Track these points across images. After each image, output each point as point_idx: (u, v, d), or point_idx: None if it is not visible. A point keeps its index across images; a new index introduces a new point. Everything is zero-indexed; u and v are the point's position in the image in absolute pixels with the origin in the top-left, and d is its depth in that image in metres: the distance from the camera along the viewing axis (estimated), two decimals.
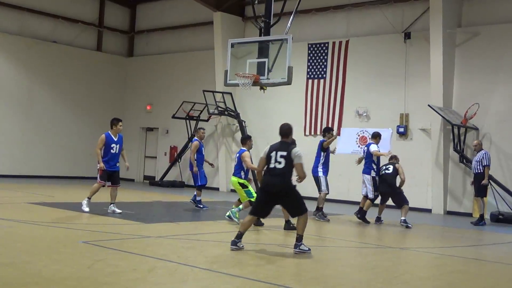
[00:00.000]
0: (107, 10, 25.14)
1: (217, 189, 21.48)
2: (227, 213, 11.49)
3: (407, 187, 14.23)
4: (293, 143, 8.59)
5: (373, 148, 12.89)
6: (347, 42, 18.95)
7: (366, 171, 12.95)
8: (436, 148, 16.62)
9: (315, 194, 13.22)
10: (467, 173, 16.20)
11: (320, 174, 12.91)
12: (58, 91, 23.21)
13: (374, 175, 12.86)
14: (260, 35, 12.62)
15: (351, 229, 12.10)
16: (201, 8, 21.71)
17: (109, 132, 11.79)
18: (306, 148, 14.74)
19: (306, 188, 15.91)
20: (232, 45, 12.61)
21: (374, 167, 12.88)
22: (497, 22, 16.39)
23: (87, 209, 11.38)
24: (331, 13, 19.59)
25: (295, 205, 8.21)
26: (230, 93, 19.99)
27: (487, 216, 14.44)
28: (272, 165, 8.12)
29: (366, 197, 12.99)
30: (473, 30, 16.66)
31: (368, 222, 12.75)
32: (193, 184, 14.09)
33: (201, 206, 13.68)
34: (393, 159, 13.14)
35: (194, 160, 13.50)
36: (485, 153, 14.07)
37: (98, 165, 11.59)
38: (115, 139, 11.75)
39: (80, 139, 23.47)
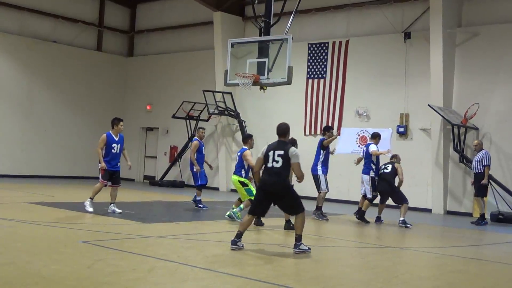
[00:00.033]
0: (107, 10, 25.14)
1: (217, 189, 21.48)
2: (227, 213, 11.50)
3: (407, 187, 14.25)
4: (294, 144, 8.61)
5: (372, 148, 12.93)
6: (347, 42, 18.95)
7: (365, 171, 12.98)
8: (436, 148, 16.63)
9: (315, 193, 13.23)
10: (467, 173, 16.20)
11: (320, 172, 12.94)
12: (58, 91, 23.21)
13: (373, 175, 12.89)
14: (260, 35, 12.62)
15: (351, 229, 12.10)
16: (201, 8, 21.71)
17: (110, 132, 11.78)
18: (306, 148, 14.82)
19: (304, 187, 16.01)
20: (232, 45, 12.61)
21: (373, 167, 12.91)
22: (497, 22, 16.39)
23: (91, 209, 11.37)
24: (331, 13, 19.60)
25: (292, 204, 8.23)
26: (230, 93, 20.00)
27: (487, 216, 14.43)
28: (269, 164, 8.14)
29: (364, 196, 13.03)
30: (473, 30, 16.66)
31: (367, 222, 12.75)
32: (193, 183, 14.10)
33: (201, 206, 13.68)
34: (394, 158, 13.14)
35: (194, 159, 13.51)
36: (485, 153, 14.08)
37: (100, 164, 11.60)
38: (116, 139, 11.75)
39: (80, 139, 23.47)
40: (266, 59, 11.90)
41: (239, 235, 8.04)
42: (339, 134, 18.33)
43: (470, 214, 15.89)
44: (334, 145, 14.76)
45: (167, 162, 23.36)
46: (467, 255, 9.35)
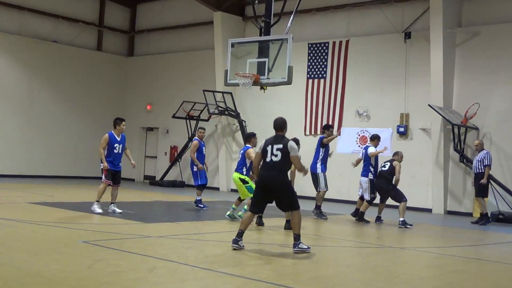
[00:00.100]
0: (107, 10, 25.14)
1: (217, 189, 21.48)
2: (228, 213, 11.49)
3: (408, 187, 14.26)
4: (297, 144, 8.61)
5: (370, 150, 12.97)
6: (347, 42, 18.95)
7: (364, 173, 13.00)
8: (436, 148, 16.62)
9: (314, 193, 13.23)
10: (467, 173, 16.20)
11: (319, 171, 12.99)
12: (58, 91, 23.21)
13: (372, 178, 12.90)
14: (260, 35, 12.62)
15: (351, 229, 12.09)
16: (201, 8, 21.71)
17: (112, 131, 11.78)
18: (306, 148, 14.81)
19: (303, 187, 16.06)
20: (232, 45, 12.61)
21: (372, 169, 12.94)
22: (497, 22, 16.39)
23: (100, 211, 11.33)
24: (331, 13, 19.59)
25: (288, 200, 8.21)
26: (230, 93, 20.00)
27: None
28: (268, 159, 8.14)
29: (362, 198, 13.04)
30: (473, 30, 16.66)
31: (367, 222, 12.76)
32: (193, 183, 14.09)
33: (201, 206, 13.68)
34: (395, 156, 13.09)
35: (194, 157, 13.50)
36: (486, 152, 14.07)
37: (102, 164, 11.59)
38: (118, 139, 11.75)
39: (80, 139, 23.48)
40: (266, 59, 11.90)
41: (240, 234, 8.04)
42: (339, 134, 18.32)
43: (470, 214, 15.88)
44: (334, 146, 14.71)
45: (167, 162, 23.37)
46: (467, 255, 9.35)
